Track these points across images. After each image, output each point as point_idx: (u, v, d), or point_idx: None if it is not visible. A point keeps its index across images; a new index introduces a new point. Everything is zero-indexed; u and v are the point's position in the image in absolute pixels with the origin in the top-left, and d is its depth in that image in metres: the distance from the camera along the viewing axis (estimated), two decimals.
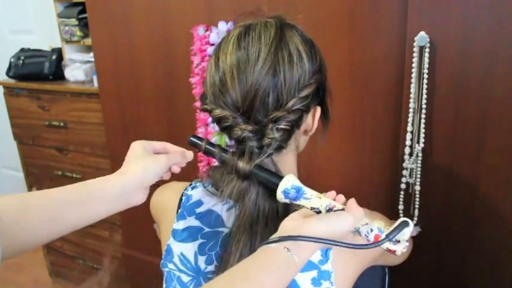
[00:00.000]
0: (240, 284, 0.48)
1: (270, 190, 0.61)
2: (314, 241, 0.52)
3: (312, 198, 0.58)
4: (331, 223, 0.54)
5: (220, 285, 0.49)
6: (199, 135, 0.71)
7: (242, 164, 0.61)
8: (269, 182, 0.61)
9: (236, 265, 0.52)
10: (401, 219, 0.55)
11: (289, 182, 0.59)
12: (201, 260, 0.68)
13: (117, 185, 0.61)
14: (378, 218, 0.59)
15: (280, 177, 0.60)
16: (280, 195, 0.60)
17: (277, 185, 0.60)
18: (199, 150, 0.67)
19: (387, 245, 0.56)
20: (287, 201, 0.60)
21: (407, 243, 0.56)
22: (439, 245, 1.06)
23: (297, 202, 0.60)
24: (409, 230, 0.55)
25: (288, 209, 0.63)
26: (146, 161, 0.64)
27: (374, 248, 0.55)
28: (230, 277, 0.50)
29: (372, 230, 0.56)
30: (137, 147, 0.66)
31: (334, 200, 0.58)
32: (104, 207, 0.61)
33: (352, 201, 0.57)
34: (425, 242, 1.05)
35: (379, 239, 0.55)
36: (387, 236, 0.54)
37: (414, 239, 0.98)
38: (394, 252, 0.56)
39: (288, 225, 0.55)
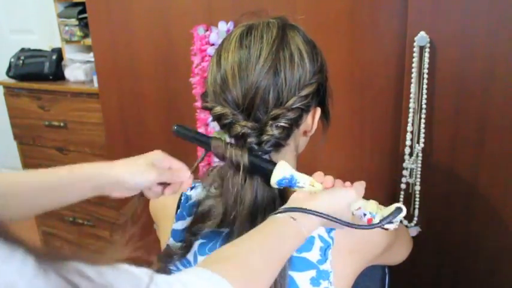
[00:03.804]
0: (249, 250, 0.50)
1: (264, 176, 0.63)
2: (316, 215, 0.55)
3: (305, 186, 0.62)
4: (336, 194, 0.59)
5: (230, 251, 0.51)
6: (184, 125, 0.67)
7: (235, 151, 0.61)
8: (262, 168, 0.62)
9: (245, 234, 0.54)
10: (395, 205, 0.58)
11: (281, 172, 0.61)
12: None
13: (94, 181, 0.62)
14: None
15: (273, 163, 0.62)
16: (274, 186, 0.62)
17: (270, 172, 0.62)
18: (186, 139, 0.66)
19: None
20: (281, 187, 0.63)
21: (398, 222, 0.59)
22: (439, 245, 1.06)
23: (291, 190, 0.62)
24: (402, 215, 0.57)
25: (284, 196, 0.64)
26: (134, 169, 0.63)
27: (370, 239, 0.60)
28: (239, 243, 0.52)
29: (364, 215, 0.59)
30: (150, 158, 0.64)
31: (322, 183, 0.62)
32: (76, 195, 0.63)
33: (358, 183, 0.62)
34: (425, 242, 1.05)
35: (372, 223, 0.58)
36: (381, 221, 0.57)
37: (414, 239, 0.98)
38: (387, 229, 0.59)
39: (297, 197, 0.59)
